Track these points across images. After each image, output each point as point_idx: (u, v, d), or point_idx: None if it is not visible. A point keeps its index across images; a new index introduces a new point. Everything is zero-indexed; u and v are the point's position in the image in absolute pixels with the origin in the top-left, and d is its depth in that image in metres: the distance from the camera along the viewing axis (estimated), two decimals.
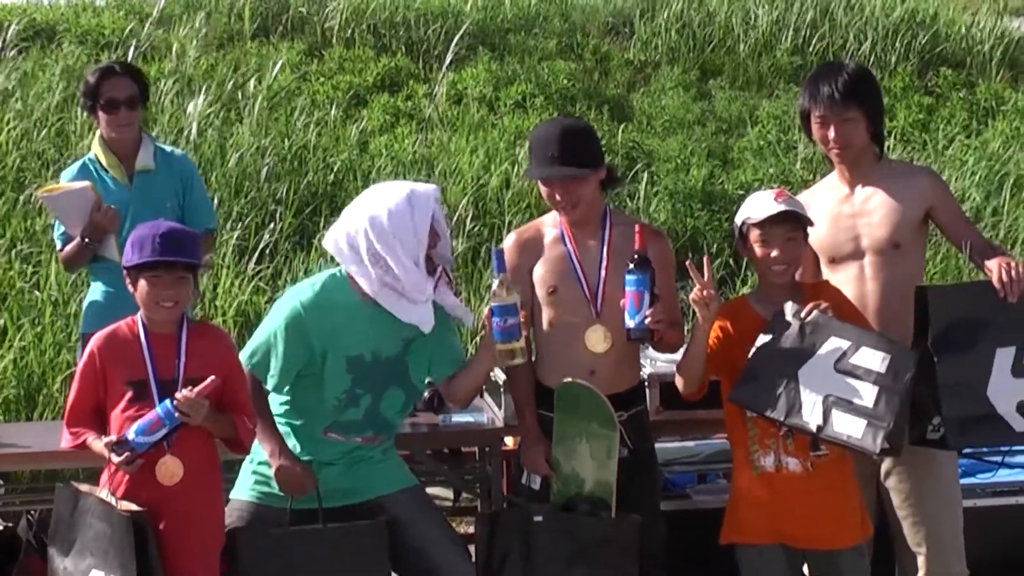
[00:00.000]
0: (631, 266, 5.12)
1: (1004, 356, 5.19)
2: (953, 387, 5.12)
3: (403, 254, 5.04)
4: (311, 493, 5.08)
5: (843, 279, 5.40)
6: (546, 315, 5.38)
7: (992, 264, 5.24)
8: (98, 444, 4.82)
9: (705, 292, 4.99)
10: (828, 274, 5.47)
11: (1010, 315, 5.16)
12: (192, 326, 4.97)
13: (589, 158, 5.29)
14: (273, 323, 5.13)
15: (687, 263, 5.07)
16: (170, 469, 4.81)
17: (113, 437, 4.76)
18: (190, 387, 4.75)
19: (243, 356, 5.09)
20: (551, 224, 5.42)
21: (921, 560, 5.48)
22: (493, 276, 5.07)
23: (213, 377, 4.79)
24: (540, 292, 5.37)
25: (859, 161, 5.45)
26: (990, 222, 12.06)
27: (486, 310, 5.07)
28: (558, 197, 5.31)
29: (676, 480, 6.35)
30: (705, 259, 5.04)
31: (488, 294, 5.03)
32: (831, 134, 5.39)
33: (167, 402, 4.73)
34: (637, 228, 5.20)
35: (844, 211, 5.46)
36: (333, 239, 5.16)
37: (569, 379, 5.22)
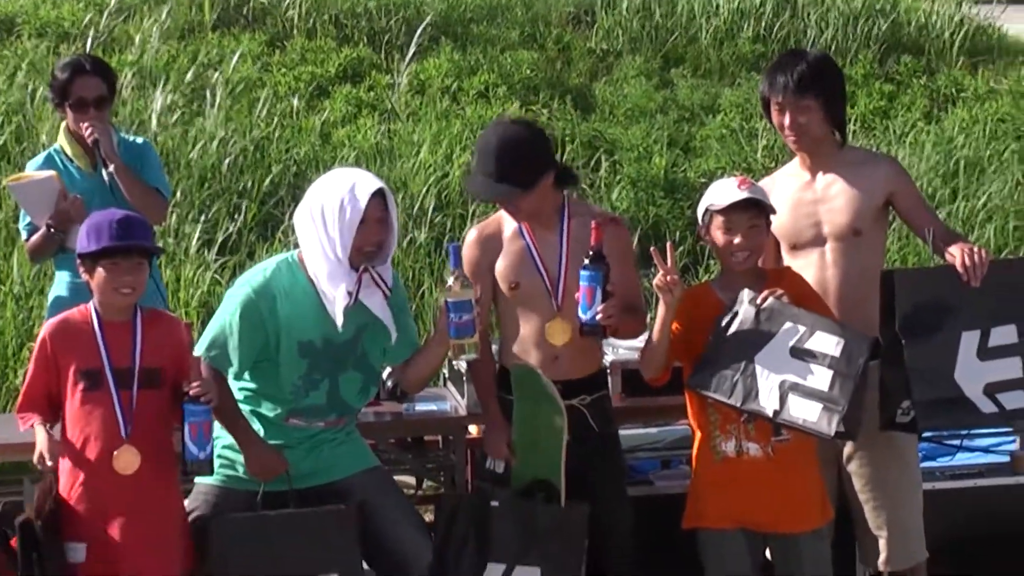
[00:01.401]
0: (586, 261, 5.15)
1: (969, 339, 5.25)
2: (921, 371, 5.17)
3: (327, 242, 5.04)
4: (283, 476, 5.10)
5: (804, 265, 5.43)
6: (509, 308, 5.41)
7: (955, 249, 5.28)
8: (41, 432, 4.80)
9: (669, 278, 5.02)
10: (789, 260, 5.51)
11: (974, 299, 5.22)
12: (145, 314, 4.96)
13: (526, 174, 5.26)
14: (227, 312, 5.12)
15: (651, 250, 5.10)
16: (127, 459, 4.80)
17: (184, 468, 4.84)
18: (186, 382, 4.78)
19: (200, 348, 5.07)
20: (511, 219, 5.44)
21: (882, 543, 5.53)
22: (449, 271, 5.09)
23: (195, 359, 4.86)
24: (503, 286, 5.40)
25: (819, 149, 5.48)
26: (948, 208, 12.13)
27: (441, 302, 5.08)
28: (499, 206, 5.35)
29: (639, 466, 6.38)
30: (668, 246, 5.06)
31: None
32: (787, 122, 5.42)
33: (187, 405, 4.76)
34: (593, 224, 5.21)
35: (805, 198, 5.49)
36: (296, 217, 5.20)
37: (522, 363, 5.25)
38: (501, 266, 5.40)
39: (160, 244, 7.27)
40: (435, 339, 5.24)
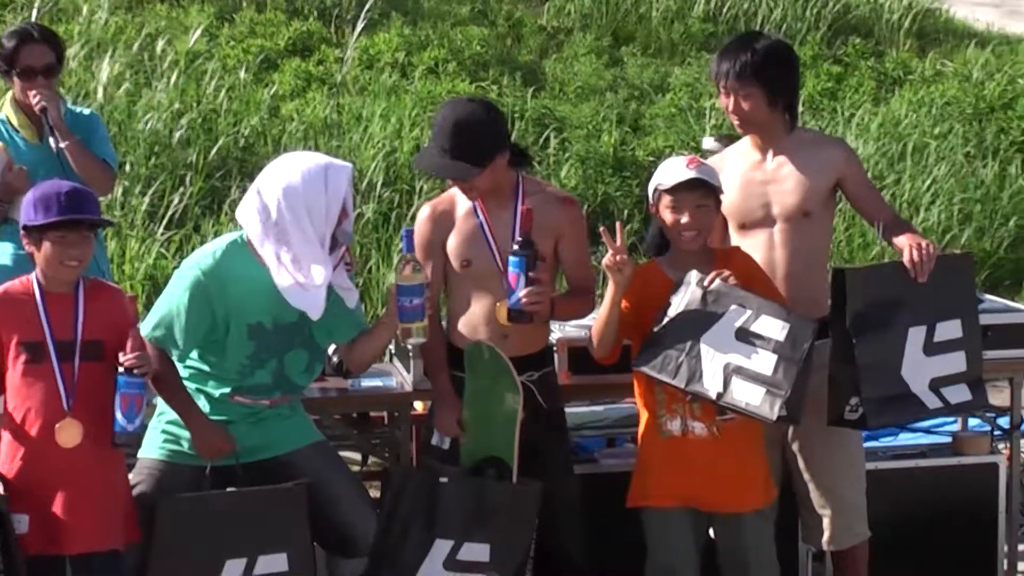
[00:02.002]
0: (514, 247, 5.16)
1: (916, 335, 5.30)
2: (871, 367, 5.21)
3: (311, 228, 5.01)
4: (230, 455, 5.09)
5: (752, 245, 5.46)
6: (460, 286, 5.41)
7: (903, 241, 5.31)
8: None
9: (618, 257, 5.02)
10: (737, 239, 5.53)
11: (920, 294, 5.26)
12: (88, 285, 4.92)
13: (479, 152, 5.25)
14: (175, 294, 5.07)
15: (601, 229, 5.11)
16: (69, 432, 4.77)
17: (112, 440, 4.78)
18: (123, 353, 4.73)
19: (146, 328, 5.01)
20: (464, 196, 5.44)
21: (826, 522, 5.58)
22: (402, 255, 5.09)
23: (134, 329, 4.82)
24: (454, 263, 5.40)
25: (767, 132, 5.50)
26: (894, 189, 12.20)
27: (391, 284, 5.09)
28: (452, 183, 5.35)
29: (584, 444, 6.39)
30: (618, 225, 5.07)
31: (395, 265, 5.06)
32: (731, 106, 5.45)
33: (121, 376, 4.72)
34: (523, 209, 5.23)
35: (756, 177, 5.51)
36: (245, 208, 5.12)
37: (478, 340, 5.26)
38: (453, 243, 5.40)
39: (107, 216, 7.21)
40: (384, 321, 5.24)
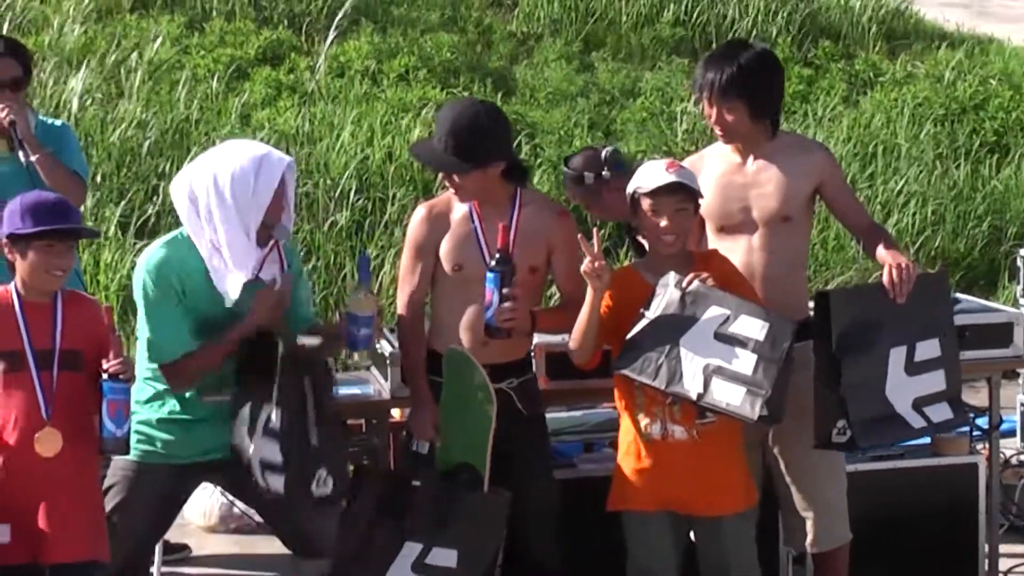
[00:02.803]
0: (491, 263, 5.16)
1: (897, 355, 5.32)
2: (856, 388, 5.23)
3: (236, 216, 5.00)
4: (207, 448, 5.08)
5: (731, 248, 5.46)
6: (449, 290, 5.41)
7: (883, 259, 5.32)
8: None
9: (596, 264, 5.02)
10: (716, 242, 5.52)
11: (900, 314, 5.27)
12: (66, 295, 4.91)
13: (473, 152, 5.26)
14: (145, 308, 5.08)
15: (578, 236, 5.10)
16: (49, 442, 4.75)
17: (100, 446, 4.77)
18: (105, 360, 4.72)
19: (149, 357, 5.04)
20: (460, 201, 5.43)
21: (808, 524, 5.59)
22: (357, 283, 5.09)
23: (115, 336, 4.82)
24: (445, 267, 5.39)
25: (747, 141, 5.48)
26: (866, 192, 12.22)
27: (343, 309, 5.10)
28: (442, 176, 5.34)
29: (563, 449, 6.38)
30: (595, 232, 5.06)
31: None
32: (714, 117, 5.44)
33: (106, 383, 4.71)
34: (500, 226, 5.22)
35: (736, 181, 5.50)
36: (176, 192, 5.11)
37: (455, 346, 5.25)
38: (446, 247, 5.39)
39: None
40: (335, 338, 5.24)
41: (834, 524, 5.60)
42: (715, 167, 5.55)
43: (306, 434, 4.95)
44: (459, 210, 5.42)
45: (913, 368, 5.35)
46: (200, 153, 11.17)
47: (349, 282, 4.85)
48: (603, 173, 7.02)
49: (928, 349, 5.38)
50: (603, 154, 7.08)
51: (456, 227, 5.40)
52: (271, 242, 5.12)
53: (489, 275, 5.15)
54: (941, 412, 5.42)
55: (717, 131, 5.49)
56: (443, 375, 5.33)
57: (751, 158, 5.50)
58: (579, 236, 5.10)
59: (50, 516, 4.76)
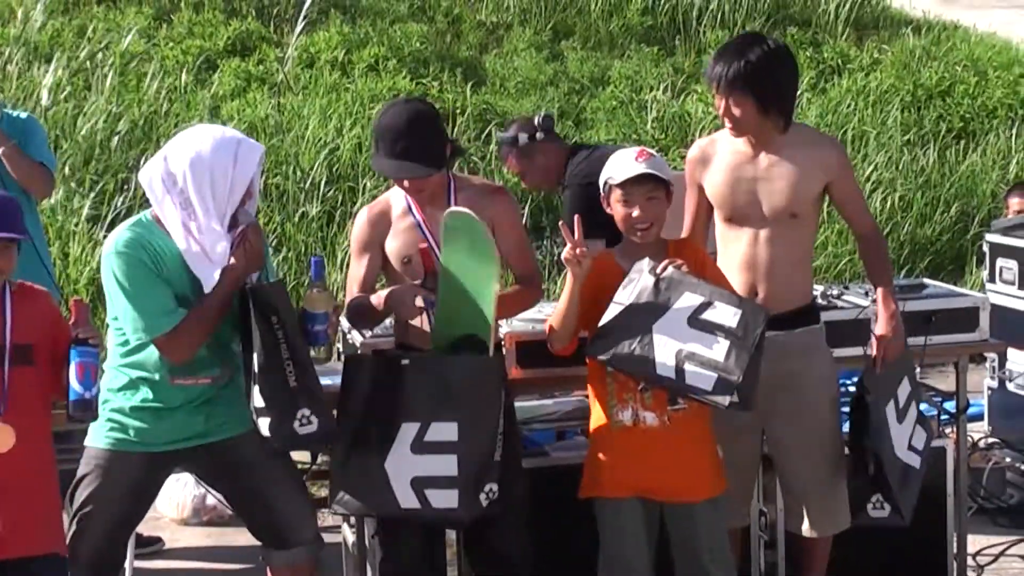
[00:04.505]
0: (424, 289, 5.20)
1: (890, 412, 5.51)
2: (887, 463, 5.46)
3: (212, 203, 4.98)
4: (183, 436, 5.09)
5: (737, 238, 5.50)
6: (400, 284, 5.41)
7: (880, 321, 5.51)
8: None
9: (578, 251, 5.03)
10: (723, 230, 5.55)
11: (884, 378, 5.53)
12: (14, 290, 4.84)
13: (435, 154, 5.28)
14: (124, 288, 5.00)
15: (560, 224, 5.10)
16: (2, 436, 4.73)
17: (69, 411, 4.73)
18: (74, 327, 4.70)
19: (141, 334, 4.99)
20: (398, 196, 5.44)
21: (809, 508, 5.64)
22: (310, 281, 5.11)
23: (81, 301, 4.83)
24: (395, 263, 5.40)
25: (758, 134, 5.46)
26: None
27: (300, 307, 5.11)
28: (406, 184, 5.34)
29: (534, 438, 6.40)
30: (577, 219, 5.06)
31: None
32: (722, 110, 5.43)
33: (73, 348, 4.68)
34: (422, 247, 5.26)
35: (746, 173, 5.48)
36: (148, 174, 5.06)
37: (456, 208, 5.23)
38: (393, 245, 5.40)
39: (41, 221, 7.11)
40: None
41: (835, 510, 5.63)
42: (727, 155, 5.54)
43: (284, 373, 4.94)
44: (398, 206, 5.44)
45: (900, 415, 5.54)
46: None
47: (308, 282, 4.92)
48: (536, 135, 7.08)
49: (904, 389, 5.60)
50: (536, 119, 7.15)
51: (398, 223, 5.42)
52: (239, 228, 5.11)
53: (427, 303, 5.20)
54: (920, 437, 5.68)
55: (727, 124, 5.46)
56: (441, 242, 5.22)
57: (763, 152, 5.47)
58: (561, 224, 5.10)
59: (5, 511, 4.71)
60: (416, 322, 5.36)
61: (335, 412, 5.16)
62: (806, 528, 5.67)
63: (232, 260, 5.03)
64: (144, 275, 4.99)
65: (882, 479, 5.44)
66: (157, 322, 4.98)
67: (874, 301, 5.69)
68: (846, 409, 5.75)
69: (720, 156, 5.54)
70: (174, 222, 5.01)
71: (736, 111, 5.38)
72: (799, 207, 5.46)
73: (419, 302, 5.22)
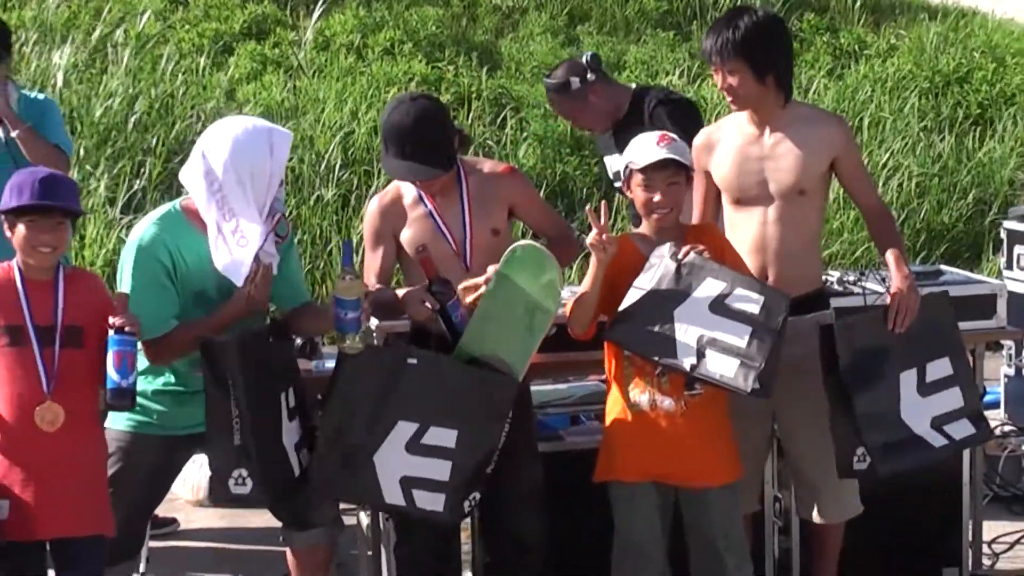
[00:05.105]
0: (435, 294, 5.21)
1: (908, 378, 5.36)
2: (869, 416, 5.27)
3: (252, 194, 5.00)
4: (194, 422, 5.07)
5: (747, 220, 5.49)
6: (417, 272, 5.40)
7: (891, 276, 5.41)
8: None
9: (604, 236, 5.02)
10: (732, 213, 5.54)
11: (907, 338, 5.33)
12: (67, 273, 4.92)
13: (442, 154, 5.29)
14: (131, 284, 5.05)
15: (587, 209, 5.09)
16: (50, 415, 4.75)
17: (106, 398, 4.76)
18: (111, 317, 4.73)
19: (145, 335, 4.98)
20: (409, 185, 5.45)
21: (818, 495, 5.64)
22: (342, 267, 5.09)
23: (123, 293, 4.86)
24: (410, 251, 5.41)
25: (759, 107, 5.47)
26: None
27: (331, 294, 5.08)
28: (417, 183, 5.34)
29: (549, 422, 6.39)
30: (603, 205, 5.06)
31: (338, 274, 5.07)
32: (720, 83, 5.45)
33: (111, 337, 4.71)
34: (421, 260, 5.28)
35: (752, 153, 5.49)
36: (190, 171, 5.09)
37: (527, 242, 5.21)
38: (407, 235, 5.41)
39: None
40: (325, 319, 5.22)
41: (846, 496, 5.63)
42: (732, 138, 5.55)
43: (230, 430, 4.90)
44: (410, 195, 5.45)
45: (926, 389, 5.39)
46: (185, 128, 11.29)
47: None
48: (588, 76, 7.04)
49: (939, 368, 5.42)
50: (584, 59, 7.12)
51: (410, 212, 5.43)
52: (276, 216, 5.13)
53: (448, 308, 5.20)
54: (962, 429, 5.47)
55: (727, 98, 5.50)
56: (510, 267, 5.15)
57: (767, 130, 5.49)
58: (588, 209, 5.08)
59: (50, 491, 4.76)
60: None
61: (319, 395, 5.16)
62: (816, 515, 5.67)
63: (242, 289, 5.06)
64: (153, 277, 5.04)
65: (853, 422, 5.31)
66: (149, 325, 4.98)
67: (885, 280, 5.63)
68: None
69: (725, 140, 5.55)
70: (211, 222, 5.02)
71: (732, 80, 5.40)
72: (807, 183, 5.46)
73: (428, 305, 5.23)
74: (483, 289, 5.13)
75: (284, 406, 5.02)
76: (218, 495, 4.91)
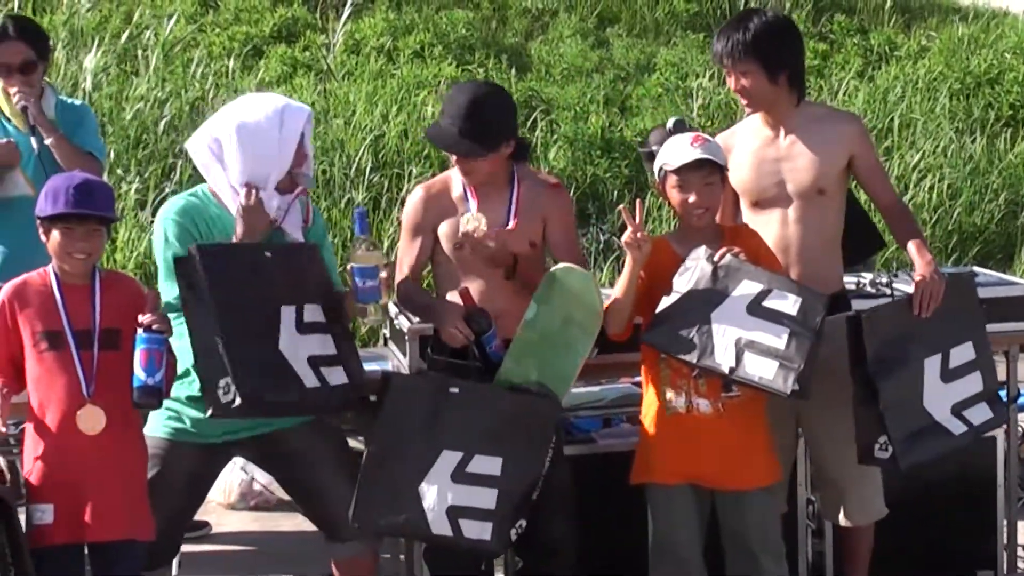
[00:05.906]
0: (473, 327, 5.17)
1: (932, 364, 5.32)
2: (894, 407, 5.22)
3: (258, 168, 5.00)
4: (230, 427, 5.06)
5: (766, 222, 5.46)
6: (450, 269, 5.39)
7: (915, 265, 5.37)
8: None
9: (639, 234, 5.02)
10: (751, 216, 5.52)
11: (931, 323, 5.29)
12: (103, 276, 4.93)
13: (490, 135, 5.25)
14: (163, 251, 5.05)
15: (621, 207, 5.10)
16: (91, 419, 4.76)
17: (133, 397, 4.74)
18: (141, 315, 4.72)
19: (168, 295, 4.99)
20: (457, 179, 5.42)
21: (843, 497, 5.60)
22: (357, 236, 5.06)
23: (154, 290, 4.86)
24: (446, 247, 5.38)
25: (775, 108, 5.47)
26: (884, 166, 12.22)
27: (348, 266, 5.06)
28: (454, 160, 5.33)
29: (581, 425, 6.39)
30: (638, 203, 5.08)
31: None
32: (734, 86, 5.45)
33: (142, 334, 4.70)
34: (460, 292, 5.24)
35: (768, 155, 5.50)
36: (196, 140, 5.10)
37: (565, 265, 5.21)
38: (447, 228, 5.38)
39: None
40: (348, 297, 5.19)
41: (870, 498, 5.60)
42: (748, 142, 5.55)
43: (214, 340, 4.83)
44: (456, 190, 5.42)
45: (949, 375, 5.36)
46: None
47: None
48: None
49: (963, 353, 5.39)
50: (668, 126, 7.15)
51: (454, 207, 5.42)
52: (297, 189, 5.12)
53: (474, 344, 5.18)
54: (981, 413, 5.42)
55: (741, 100, 5.51)
56: (549, 292, 5.17)
57: (783, 131, 5.49)
58: (622, 207, 5.08)
59: (92, 494, 4.76)
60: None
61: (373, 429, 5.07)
62: (842, 517, 5.65)
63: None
64: (184, 244, 4.99)
65: (877, 410, 5.25)
66: (172, 286, 4.98)
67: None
68: None
69: (741, 144, 5.54)
70: (223, 187, 5.03)
71: (745, 81, 5.41)
72: (825, 182, 5.46)
73: (463, 332, 5.18)
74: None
75: (293, 319, 4.91)
76: (214, 411, 4.80)
